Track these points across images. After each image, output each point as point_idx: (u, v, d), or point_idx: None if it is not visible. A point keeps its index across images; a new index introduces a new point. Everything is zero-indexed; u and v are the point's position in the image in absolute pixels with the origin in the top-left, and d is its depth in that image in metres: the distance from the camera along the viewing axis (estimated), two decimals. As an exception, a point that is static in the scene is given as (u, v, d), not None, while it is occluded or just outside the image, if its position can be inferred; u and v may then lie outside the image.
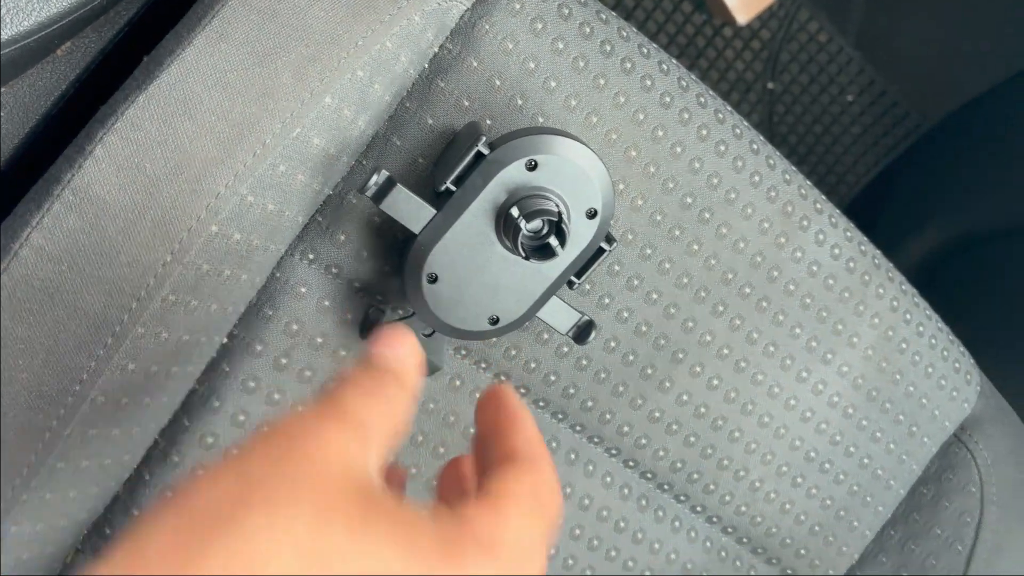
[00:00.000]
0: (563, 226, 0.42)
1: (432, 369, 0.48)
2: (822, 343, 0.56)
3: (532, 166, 0.42)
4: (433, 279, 0.44)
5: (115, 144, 0.36)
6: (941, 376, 0.60)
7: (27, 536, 0.41)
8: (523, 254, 0.43)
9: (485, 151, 0.42)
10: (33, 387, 0.37)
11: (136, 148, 0.36)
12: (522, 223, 0.42)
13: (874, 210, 1.14)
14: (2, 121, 0.44)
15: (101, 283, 0.37)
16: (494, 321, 0.46)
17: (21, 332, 0.36)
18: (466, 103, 0.45)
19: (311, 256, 0.46)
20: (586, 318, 0.47)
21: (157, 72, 0.37)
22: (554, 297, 0.46)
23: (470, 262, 0.44)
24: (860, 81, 1.15)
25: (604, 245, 0.45)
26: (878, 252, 0.58)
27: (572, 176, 0.43)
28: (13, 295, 0.35)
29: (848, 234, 0.56)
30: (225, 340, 0.46)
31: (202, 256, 0.39)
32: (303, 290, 0.46)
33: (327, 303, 0.47)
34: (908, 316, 0.59)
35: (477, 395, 0.51)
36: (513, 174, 0.42)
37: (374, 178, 0.41)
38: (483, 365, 0.51)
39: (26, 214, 0.36)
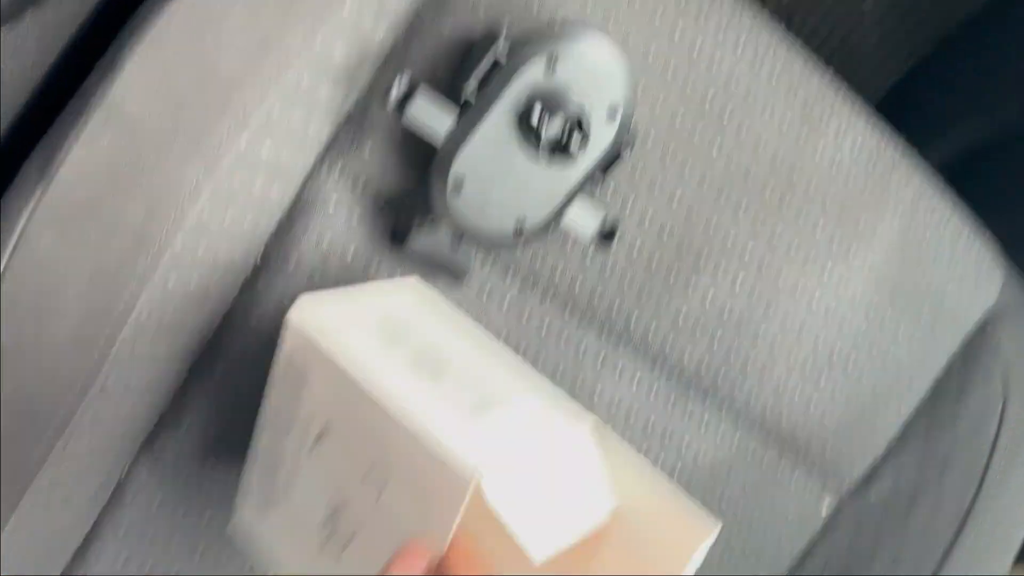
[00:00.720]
0: (584, 126, 0.43)
1: (460, 273, 0.49)
2: (843, 241, 0.57)
3: (552, 66, 0.42)
4: (458, 185, 0.45)
5: (144, 59, 0.37)
6: (964, 269, 0.61)
7: (86, 449, 0.43)
8: (545, 156, 0.43)
9: (504, 54, 0.42)
10: (81, 303, 0.38)
11: (165, 62, 0.37)
12: (543, 125, 0.42)
13: (896, 118, 1.13)
14: (32, 44, 0.45)
15: (139, 198, 0.38)
16: (519, 226, 0.47)
17: (65, 250, 0.37)
18: (482, 11, 0.45)
19: (338, 170, 0.47)
20: (610, 219, 0.48)
21: None
22: (577, 199, 0.47)
23: (494, 167, 0.44)
24: (878, -14, 1.13)
25: (625, 145, 0.46)
26: (900, 146, 0.58)
27: (592, 74, 0.43)
28: (56, 214, 0.37)
29: (869, 128, 0.56)
30: (258, 262, 0.47)
31: (234, 169, 0.40)
32: (332, 204, 0.47)
33: (356, 217, 0.48)
34: (931, 210, 0.59)
35: (505, 304, 0.53)
36: (533, 74, 0.43)
37: (396, 82, 0.41)
38: (510, 273, 0.52)
39: (63, 133, 0.37)
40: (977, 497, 0.63)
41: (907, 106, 1.14)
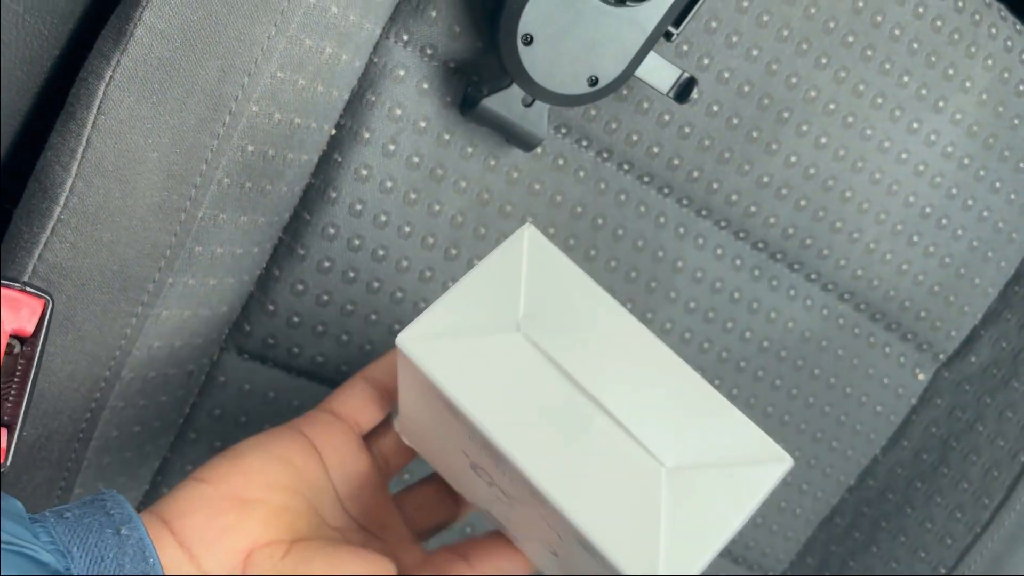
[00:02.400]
0: (658, -37, 0.41)
1: (534, 141, 0.48)
2: (933, 90, 0.54)
3: (620, -96, 0.41)
4: (528, 40, 0.44)
5: (207, -86, 0.36)
6: (1063, 118, 0.58)
7: (176, 323, 0.44)
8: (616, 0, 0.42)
9: None
10: (163, 167, 0.38)
11: (228, -84, 0.36)
12: (615, -34, 0.41)
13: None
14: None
15: (213, 58, 0.38)
16: (593, 82, 0.45)
17: (146, 111, 0.37)
18: None
19: (405, 37, 0.46)
20: (687, 74, 0.46)
21: None
22: (652, 53, 0.45)
23: (564, 18, 0.43)
24: None
25: (699, -10, 0.44)
26: (987, -7, 0.55)
27: (662, -88, 0.41)
28: (135, 75, 0.37)
29: (955, -28, 0.53)
30: (334, 131, 0.47)
31: (303, 30, 0.40)
32: (401, 73, 0.46)
33: (426, 85, 0.47)
34: (1022, 58, 0.56)
35: (582, 174, 0.52)
36: (601, -84, 0.41)
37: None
38: (584, 142, 0.51)
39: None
40: (1085, 355, 0.60)
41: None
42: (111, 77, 0.36)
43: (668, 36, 0.45)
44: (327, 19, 0.41)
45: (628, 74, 0.45)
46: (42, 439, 0.41)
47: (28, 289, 0.34)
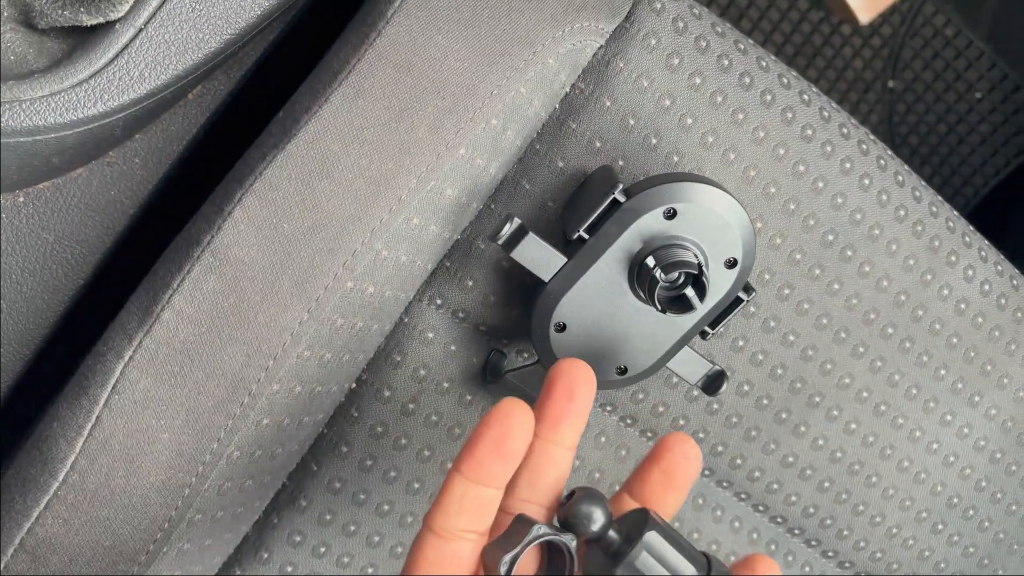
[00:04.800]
0: (703, 278, 0.40)
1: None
2: (969, 384, 0.53)
3: (671, 215, 0.40)
4: (561, 328, 0.42)
5: (253, 205, 0.36)
6: (1099, 418, 0.56)
7: (166, 583, 0.42)
8: (659, 307, 0.41)
9: (621, 199, 0.40)
10: (173, 447, 0.37)
11: (274, 209, 0.36)
12: (659, 274, 0.40)
13: (1005, 213, 1.08)
14: (138, 166, 0.44)
15: (239, 344, 0.36)
16: (622, 371, 0.44)
17: (162, 393, 0.36)
18: (598, 144, 0.44)
19: (439, 301, 0.45)
20: (717, 368, 0.45)
21: (294, 130, 0.36)
22: (685, 347, 0.44)
23: (600, 312, 0.42)
24: (991, 77, 1.09)
25: (742, 295, 0.43)
26: (1030, 286, 0.54)
27: (712, 225, 0.41)
28: (156, 357, 0.35)
29: (999, 268, 0.52)
30: (353, 386, 0.45)
31: (336, 311, 0.39)
32: (431, 335, 0.45)
33: (453, 348, 0.46)
34: (1064, 354, 0.54)
35: (603, 439, 0.50)
36: (650, 223, 0.40)
37: (507, 227, 0.40)
38: (608, 408, 0.50)
39: (167, 276, 0.36)
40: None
41: (1015, 203, 1.09)
42: (131, 357, 0.35)
43: (704, 335, 0.44)
44: (363, 299, 0.40)
45: (659, 366, 0.44)
46: None
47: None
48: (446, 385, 0.46)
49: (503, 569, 0.31)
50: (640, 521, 0.33)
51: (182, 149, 0.46)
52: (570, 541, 0.32)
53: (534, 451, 0.33)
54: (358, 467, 0.46)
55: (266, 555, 0.46)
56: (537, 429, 0.33)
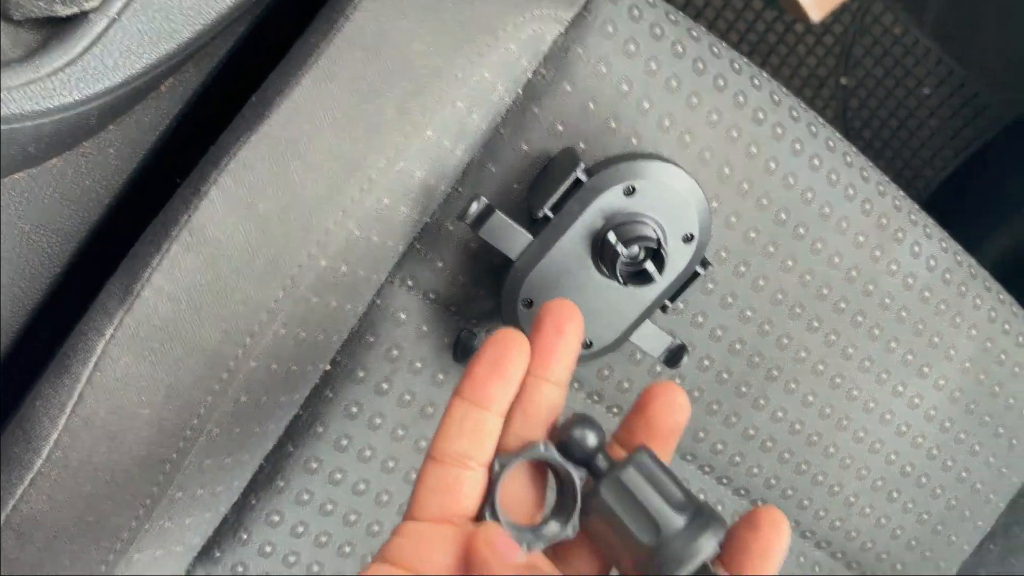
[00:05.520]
0: (661, 251, 0.42)
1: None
2: (918, 356, 0.55)
3: (630, 192, 0.42)
4: (528, 304, 0.44)
5: (228, 185, 0.37)
6: (1042, 387, 0.59)
7: (147, 561, 0.43)
8: (620, 280, 0.43)
9: (583, 178, 0.42)
10: (155, 422, 0.38)
11: (249, 188, 0.37)
12: (620, 249, 0.41)
13: (954, 204, 1.11)
14: (112, 156, 0.45)
15: (217, 321, 0.38)
16: (587, 345, 0.46)
17: (143, 370, 0.37)
18: (560, 127, 0.45)
19: (410, 283, 0.47)
20: (678, 342, 0.47)
21: (266, 113, 0.37)
22: (647, 321, 0.46)
23: (566, 287, 0.44)
24: (938, 72, 1.12)
25: (699, 269, 0.45)
26: (974, 262, 0.57)
27: (669, 201, 0.43)
28: (136, 335, 0.37)
29: (943, 244, 0.55)
30: (328, 367, 0.46)
31: (311, 290, 0.40)
32: (403, 316, 0.47)
33: (425, 328, 0.47)
34: (1007, 327, 0.57)
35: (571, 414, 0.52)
36: (611, 200, 0.42)
37: (473, 205, 0.41)
38: (575, 385, 0.51)
39: (146, 255, 0.37)
40: (1058, 626, 0.60)
41: (965, 194, 1.12)
42: (112, 335, 0.36)
43: (663, 308, 0.46)
44: (336, 278, 0.41)
45: (622, 340, 0.46)
46: None
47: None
48: (419, 365, 0.48)
49: (496, 467, 0.32)
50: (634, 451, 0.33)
51: (155, 140, 0.47)
52: (573, 470, 0.32)
53: (526, 388, 0.33)
54: (334, 447, 0.47)
55: (245, 536, 0.47)
56: (529, 366, 0.33)
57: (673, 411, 0.35)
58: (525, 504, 0.34)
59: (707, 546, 0.31)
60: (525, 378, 0.33)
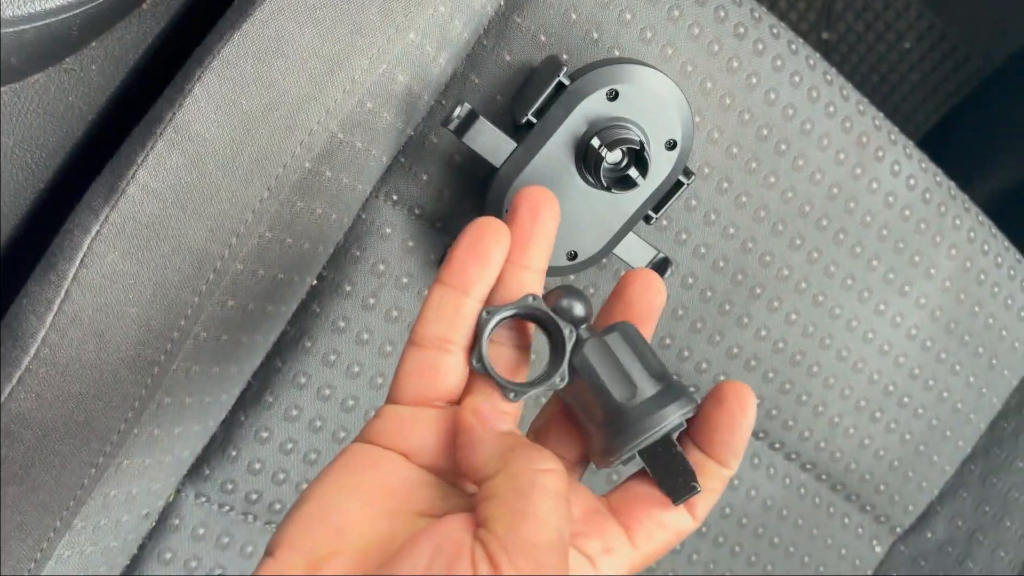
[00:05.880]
0: (644, 155, 0.42)
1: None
2: (899, 274, 0.56)
3: (613, 96, 0.42)
4: (515, 214, 0.44)
5: (212, 82, 0.37)
6: (1021, 307, 0.60)
7: (136, 470, 0.43)
8: (604, 184, 0.43)
9: (566, 82, 0.42)
10: (142, 322, 0.38)
11: (232, 86, 0.37)
12: (604, 153, 0.42)
13: (937, 156, 1.12)
14: (95, 73, 0.45)
15: (203, 219, 0.38)
16: (572, 256, 0.46)
17: (130, 268, 0.37)
18: (543, 38, 0.46)
19: (395, 197, 0.47)
20: (662, 255, 0.47)
21: (249, 10, 0.37)
22: (631, 233, 0.47)
23: (552, 195, 0.44)
24: (918, 27, 1.13)
25: (682, 178, 0.45)
26: (952, 184, 0.58)
27: (652, 106, 0.43)
28: (122, 231, 0.37)
29: (923, 165, 0.56)
30: (315, 281, 0.47)
31: (296, 193, 0.40)
32: (388, 230, 0.47)
33: (411, 243, 0.48)
34: (986, 247, 0.58)
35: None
36: (594, 105, 0.42)
37: (457, 111, 0.41)
38: (562, 304, 0.52)
39: (131, 153, 0.37)
40: (1038, 541, 0.61)
41: (948, 146, 1.13)
42: (98, 232, 0.36)
43: (648, 219, 0.46)
44: (320, 183, 0.41)
45: (607, 251, 0.46)
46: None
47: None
48: (405, 280, 0.48)
49: (483, 315, 0.32)
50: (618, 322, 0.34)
51: (138, 57, 0.47)
52: (562, 324, 0.33)
53: (505, 275, 0.33)
54: (322, 362, 0.48)
55: (234, 452, 0.48)
56: (507, 255, 0.33)
57: (650, 293, 0.35)
58: (509, 365, 0.34)
59: (674, 415, 0.31)
60: (504, 265, 0.34)
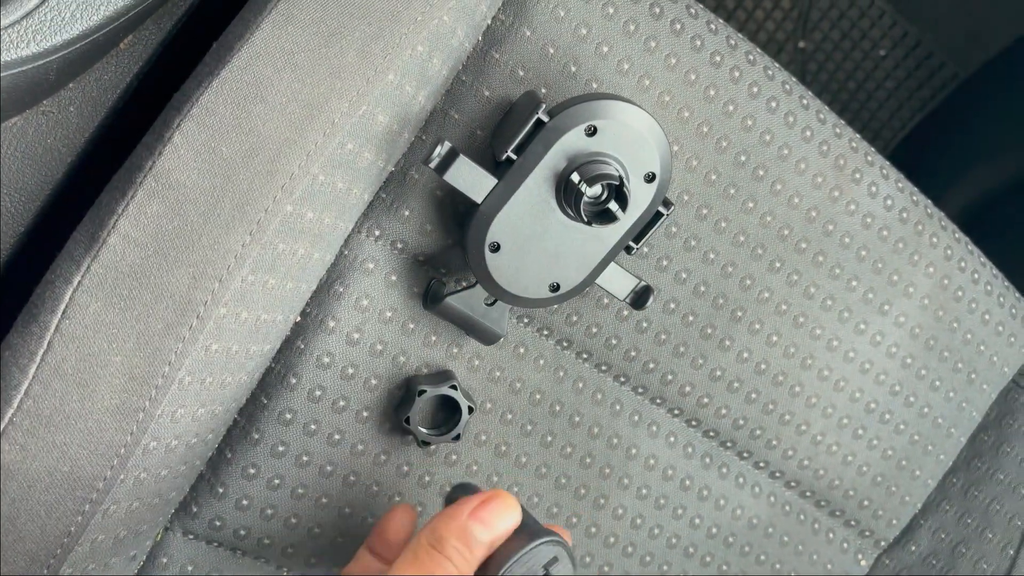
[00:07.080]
0: (624, 190, 0.43)
1: (494, 338, 0.48)
2: (879, 294, 0.57)
3: (591, 132, 0.43)
4: (495, 248, 0.45)
5: (192, 130, 0.37)
6: (998, 322, 0.61)
7: (124, 514, 0.43)
8: (584, 219, 0.43)
9: (545, 118, 0.42)
10: (126, 370, 0.38)
11: (212, 133, 0.37)
12: (584, 188, 0.42)
13: (912, 164, 1.13)
14: (72, 114, 0.45)
15: (185, 266, 0.38)
16: (554, 288, 0.47)
17: (112, 317, 0.37)
18: (521, 73, 0.46)
19: (377, 232, 0.47)
20: (643, 283, 0.48)
21: (228, 57, 0.38)
22: (612, 263, 0.47)
23: (531, 230, 0.44)
24: (893, 35, 1.14)
25: (662, 209, 0.46)
26: (929, 202, 0.58)
27: (631, 141, 0.43)
28: (104, 281, 0.37)
29: (899, 185, 0.56)
30: (299, 318, 0.47)
31: (278, 236, 0.40)
32: (371, 266, 0.47)
33: (394, 277, 0.48)
34: (963, 264, 0.59)
35: (541, 362, 0.52)
36: (573, 140, 0.43)
37: (437, 149, 0.42)
38: (545, 332, 0.52)
39: (111, 202, 0.37)
40: (1020, 553, 0.62)
41: (923, 153, 1.14)
42: (79, 282, 0.36)
43: (628, 250, 0.47)
44: (303, 224, 0.41)
45: (588, 282, 0.47)
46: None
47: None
48: (389, 314, 0.48)
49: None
50: None
51: (116, 98, 0.47)
52: None
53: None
54: (307, 398, 0.48)
55: (221, 490, 0.48)
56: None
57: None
58: None
59: None
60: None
